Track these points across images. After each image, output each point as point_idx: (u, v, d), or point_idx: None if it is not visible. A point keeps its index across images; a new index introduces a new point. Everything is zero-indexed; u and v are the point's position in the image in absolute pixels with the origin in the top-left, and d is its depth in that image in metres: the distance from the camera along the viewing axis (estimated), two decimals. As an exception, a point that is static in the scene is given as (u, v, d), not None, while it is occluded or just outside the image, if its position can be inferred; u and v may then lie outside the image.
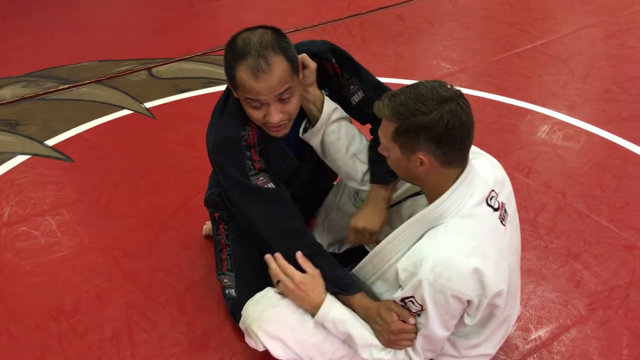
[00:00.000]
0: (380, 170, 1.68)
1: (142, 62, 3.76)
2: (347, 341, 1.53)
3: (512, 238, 1.49)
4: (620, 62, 3.71)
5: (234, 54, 1.47)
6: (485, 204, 1.39)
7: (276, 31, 1.51)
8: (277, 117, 1.52)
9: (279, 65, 1.45)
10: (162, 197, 2.56)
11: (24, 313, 2.03)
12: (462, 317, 1.41)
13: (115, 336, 1.94)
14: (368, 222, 1.70)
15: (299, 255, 1.56)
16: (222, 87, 3.39)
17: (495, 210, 1.40)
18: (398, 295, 1.40)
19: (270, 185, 1.60)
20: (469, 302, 1.35)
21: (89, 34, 4.27)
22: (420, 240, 1.38)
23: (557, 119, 3.13)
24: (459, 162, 1.35)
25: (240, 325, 1.66)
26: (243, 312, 1.63)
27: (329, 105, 1.68)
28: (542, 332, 1.94)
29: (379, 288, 1.56)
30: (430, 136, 1.29)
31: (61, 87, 3.47)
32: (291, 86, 1.50)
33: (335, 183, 2.07)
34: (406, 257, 1.37)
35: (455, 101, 1.29)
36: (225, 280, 1.93)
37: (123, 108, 3.26)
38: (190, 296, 2.08)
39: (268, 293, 1.61)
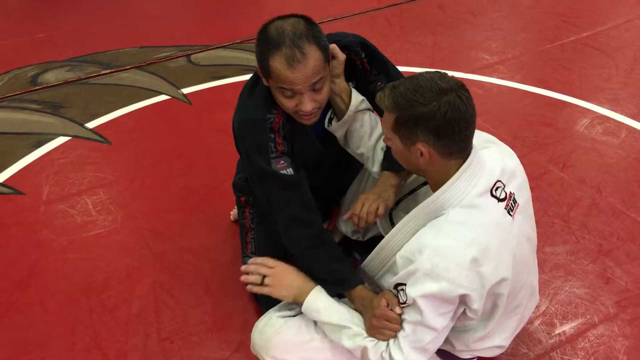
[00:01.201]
0: (392, 158, 1.68)
1: (182, 48, 3.83)
2: (332, 331, 1.49)
3: (523, 228, 1.45)
4: (669, 55, 3.58)
5: (267, 43, 1.47)
6: (489, 194, 1.36)
7: (308, 20, 1.50)
8: (309, 105, 1.52)
9: (313, 55, 1.45)
10: (193, 181, 2.62)
11: (58, 287, 2.11)
12: (464, 312, 1.39)
13: (142, 313, 2.00)
14: (375, 193, 1.68)
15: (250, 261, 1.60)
16: (258, 75, 3.45)
17: (501, 200, 1.37)
18: (394, 279, 1.38)
19: (289, 170, 1.60)
20: (465, 295, 1.31)
21: (131, 21, 4.37)
22: (421, 230, 1.37)
23: (597, 112, 3.05)
24: (460, 152, 1.33)
25: (251, 349, 1.66)
26: (251, 338, 1.64)
27: (357, 97, 1.68)
28: (567, 328, 1.91)
29: (387, 280, 1.54)
30: (429, 127, 1.27)
31: (103, 72, 3.57)
32: (323, 75, 1.51)
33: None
34: (406, 246, 1.37)
35: (455, 92, 1.27)
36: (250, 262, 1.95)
37: (161, 93, 3.33)
38: (216, 277, 2.12)
39: (271, 319, 1.60)
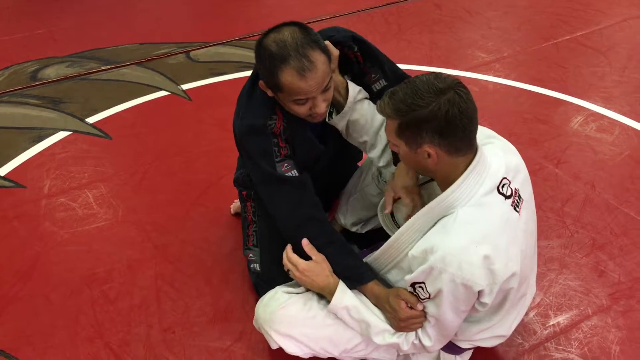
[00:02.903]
0: None
1: (181, 45, 3.86)
2: (360, 327, 1.57)
3: (528, 223, 1.49)
4: (662, 54, 3.63)
5: (272, 59, 1.46)
6: (496, 192, 1.38)
7: (301, 25, 1.51)
8: (324, 106, 1.55)
9: (320, 59, 1.47)
10: (193, 175, 2.65)
11: (60, 279, 2.14)
12: (473, 305, 1.43)
13: (144, 304, 2.03)
14: (411, 178, 1.67)
15: (304, 242, 1.61)
16: (257, 71, 3.48)
17: (508, 197, 1.40)
18: (409, 277, 1.42)
19: (294, 172, 1.63)
20: (480, 292, 1.35)
21: (131, 17, 4.39)
22: (431, 230, 1.40)
23: (591, 110, 3.09)
24: (467, 148, 1.36)
25: (254, 324, 1.71)
26: (255, 312, 1.69)
27: (354, 88, 1.70)
28: (561, 319, 1.95)
29: (394, 276, 1.59)
30: (432, 128, 1.30)
31: (103, 67, 3.59)
32: (329, 77, 1.53)
33: (359, 165, 2.10)
34: (417, 246, 1.40)
35: (453, 90, 1.29)
36: (251, 255, 1.99)
37: (161, 89, 3.36)
38: (216, 269, 2.15)
39: (276, 294, 1.66)
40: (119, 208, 2.47)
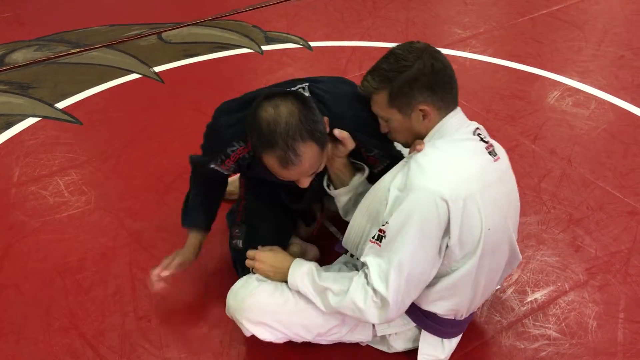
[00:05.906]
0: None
1: (152, 26, 3.76)
2: (322, 298, 1.51)
3: (511, 194, 1.53)
4: (637, 28, 3.63)
5: (259, 138, 1.39)
6: (471, 133, 1.46)
7: (302, 103, 1.40)
8: (307, 182, 1.50)
9: (309, 152, 1.40)
10: (167, 159, 2.60)
11: (32, 269, 2.09)
12: (447, 248, 1.38)
13: (118, 292, 2.00)
14: None
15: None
16: (231, 52, 3.42)
17: (483, 142, 1.45)
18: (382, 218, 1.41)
19: (225, 172, 1.71)
20: (448, 218, 1.32)
21: (100, -1, 4.28)
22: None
23: (568, 85, 3.09)
24: (453, 105, 1.44)
25: (226, 312, 1.69)
26: (226, 301, 1.67)
27: (358, 179, 1.66)
28: (538, 295, 1.95)
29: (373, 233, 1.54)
30: (423, 85, 1.37)
31: (72, 51, 3.49)
32: (321, 163, 1.47)
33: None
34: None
35: (428, 48, 1.40)
36: (237, 230, 1.96)
37: (132, 72, 3.28)
38: (192, 255, 2.12)
39: (246, 282, 1.64)
40: (91, 195, 2.42)
